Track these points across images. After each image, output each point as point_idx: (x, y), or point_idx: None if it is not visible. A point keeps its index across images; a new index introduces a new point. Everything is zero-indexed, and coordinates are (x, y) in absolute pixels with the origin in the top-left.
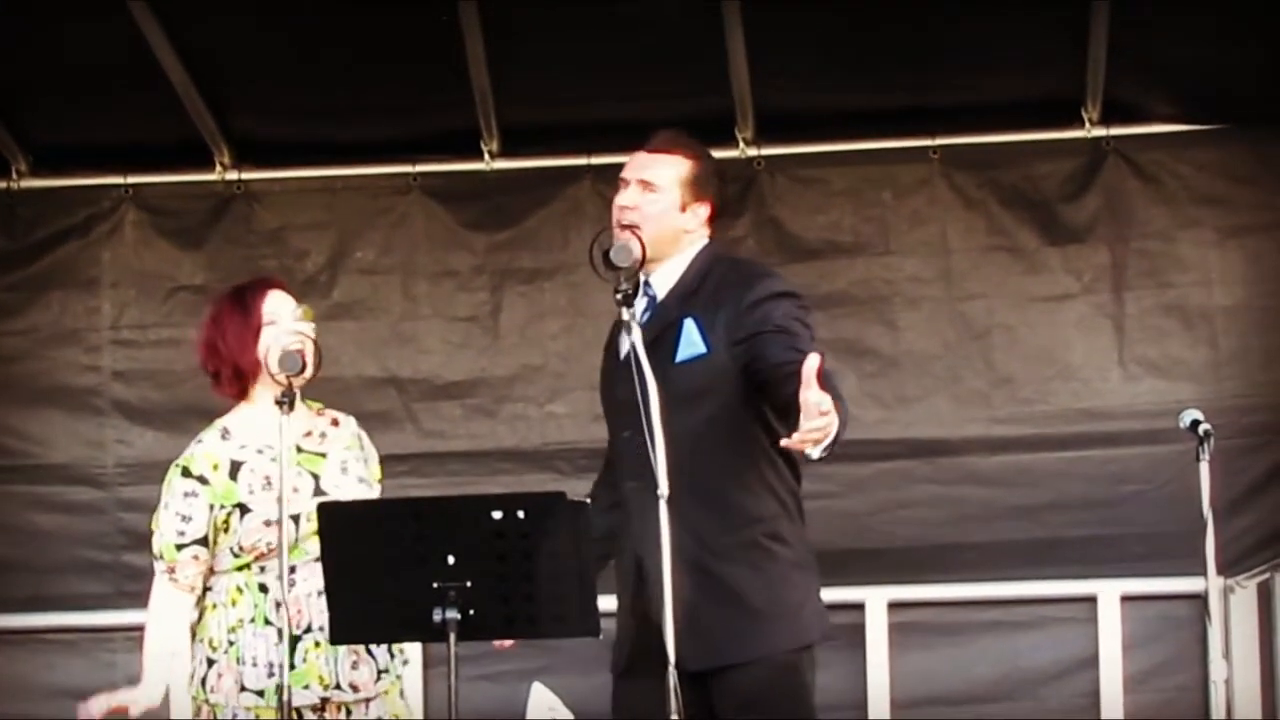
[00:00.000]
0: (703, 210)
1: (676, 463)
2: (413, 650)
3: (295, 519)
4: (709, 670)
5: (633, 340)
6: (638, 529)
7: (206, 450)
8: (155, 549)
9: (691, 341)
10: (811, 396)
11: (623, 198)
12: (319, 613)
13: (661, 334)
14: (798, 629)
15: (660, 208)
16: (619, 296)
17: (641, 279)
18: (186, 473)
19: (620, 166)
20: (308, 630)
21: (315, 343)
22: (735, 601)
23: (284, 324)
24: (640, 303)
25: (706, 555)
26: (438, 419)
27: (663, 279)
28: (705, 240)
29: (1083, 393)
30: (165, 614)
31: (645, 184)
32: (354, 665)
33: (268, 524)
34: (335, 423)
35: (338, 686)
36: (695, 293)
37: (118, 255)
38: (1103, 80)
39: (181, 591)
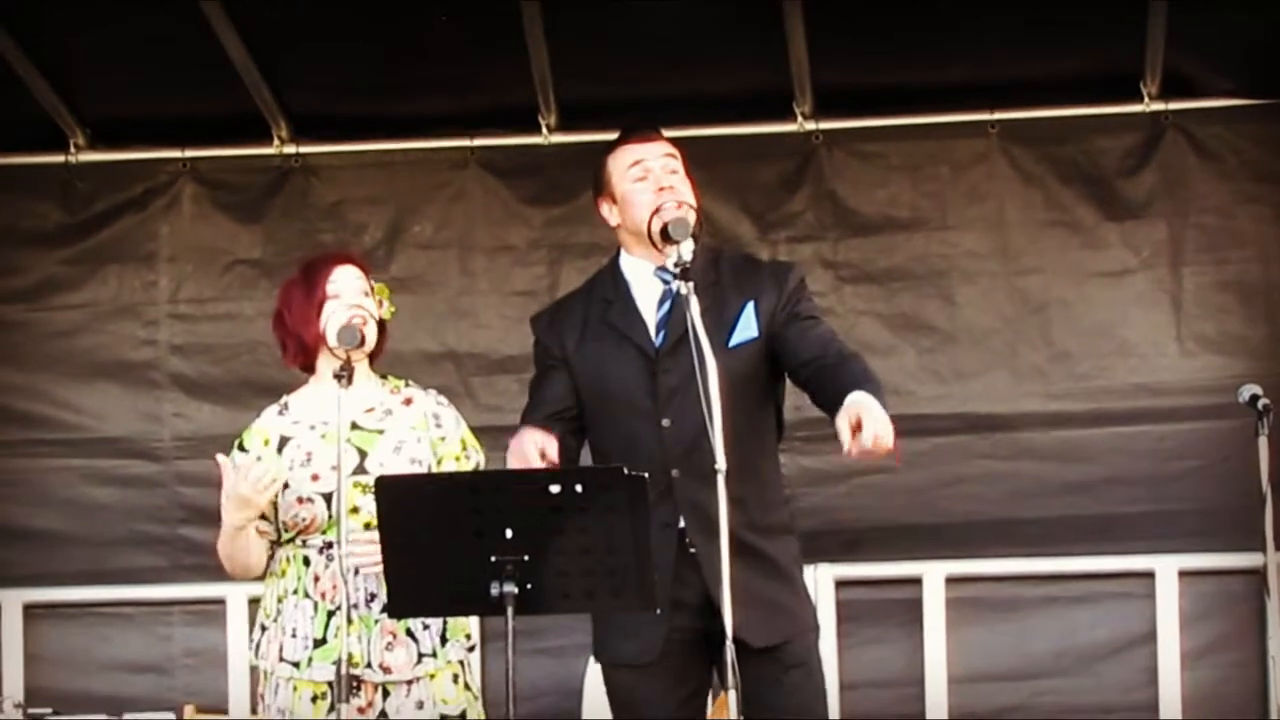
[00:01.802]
0: (691, 189)
1: (727, 446)
2: (470, 625)
3: (328, 497)
4: (771, 645)
5: (691, 316)
6: (686, 516)
7: (261, 425)
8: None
9: (748, 325)
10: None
11: (658, 179)
12: (355, 590)
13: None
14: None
15: (684, 182)
16: (677, 270)
17: (652, 265)
18: (241, 447)
19: (673, 142)
20: (340, 607)
21: (381, 320)
22: (785, 578)
23: (346, 299)
24: (655, 289)
25: (754, 535)
26: (495, 393)
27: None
28: None
29: (1140, 368)
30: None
31: (670, 158)
32: (388, 646)
33: (300, 500)
34: (408, 401)
35: (369, 666)
36: (717, 282)
37: (175, 229)
38: (1161, 55)
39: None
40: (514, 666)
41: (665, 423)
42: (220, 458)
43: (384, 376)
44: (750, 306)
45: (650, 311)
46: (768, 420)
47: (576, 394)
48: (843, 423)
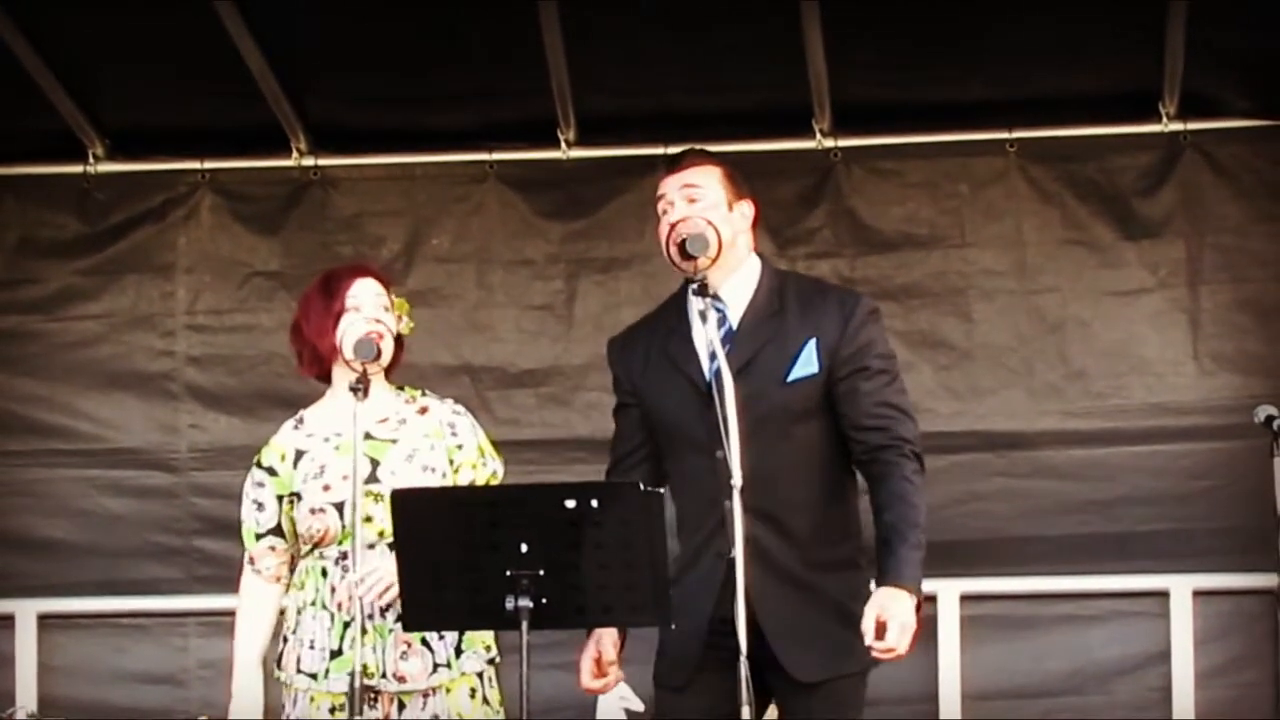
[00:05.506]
0: (748, 208)
1: (781, 479)
2: (489, 636)
3: (339, 507)
4: (819, 681)
5: (708, 333)
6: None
7: (278, 441)
8: (242, 539)
9: (809, 362)
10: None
11: (671, 214)
12: (368, 602)
13: (759, 352)
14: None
15: (711, 208)
16: (695, 286)
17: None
18: (259, 464)
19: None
20: (355, 618)
21: (399, 335)
22: (839, 613)
23: (364, 313)
24: (712, 318)
25: (807, 569)
26: (511, 407)
27: (733, 295)
28: (756, 256)
29: (1157, 387)
30: (253, 611)
31: (689, 187)
32: (403, 655)
33: (313, 511)
34: (424, 411)
35: (384, 676)
36: (780, 311)
37: (193, 240)
38: (1180, 74)
39: (267, 583)
40: (529, 681)
41: (719, 455)
42: None
43: (400, 388)
44: (812, 344)
45: (704, 342)
46: (830, 454)
47: (647, 426)
48: (869, 623)
